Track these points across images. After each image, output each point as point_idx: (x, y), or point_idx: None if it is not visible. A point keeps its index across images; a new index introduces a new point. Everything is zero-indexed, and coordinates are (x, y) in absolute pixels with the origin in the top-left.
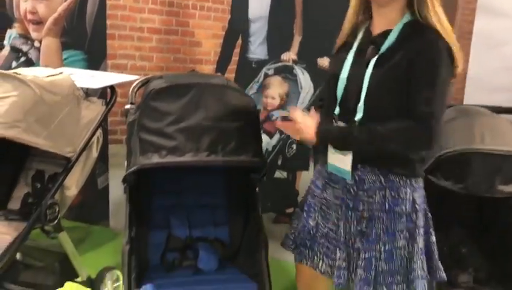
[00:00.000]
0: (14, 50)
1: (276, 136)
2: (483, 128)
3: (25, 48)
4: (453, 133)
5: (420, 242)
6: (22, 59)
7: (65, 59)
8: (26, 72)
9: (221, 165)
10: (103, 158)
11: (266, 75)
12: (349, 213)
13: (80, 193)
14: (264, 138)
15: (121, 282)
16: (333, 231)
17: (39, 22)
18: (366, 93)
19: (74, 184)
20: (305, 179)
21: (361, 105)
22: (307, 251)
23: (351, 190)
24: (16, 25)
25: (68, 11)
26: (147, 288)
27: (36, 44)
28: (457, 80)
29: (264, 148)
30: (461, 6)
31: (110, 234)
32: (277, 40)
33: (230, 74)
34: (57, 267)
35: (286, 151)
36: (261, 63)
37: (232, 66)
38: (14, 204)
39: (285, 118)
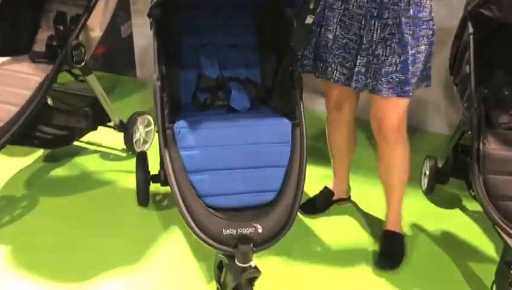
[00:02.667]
0: None
1: None
2: None
3: None
4: None
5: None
6: None
7: None
8: None
9: None
10: (124, 5)
11: None
12: (373, 22)
13: (103, 43)
14: None
15: (153, 126)
16: (353, 41)
17: None
18: None
19: (98, 25)
20: None
21: None
22: (321, 64)
23: None
24: None
25: None
26: (180, 124)
27: None
28: None
29: None
30: None
31: (137, 84)
32: None
33: None
34: (89, 112)
35: None
36: None
37: None
38: (39, 47)
39: None
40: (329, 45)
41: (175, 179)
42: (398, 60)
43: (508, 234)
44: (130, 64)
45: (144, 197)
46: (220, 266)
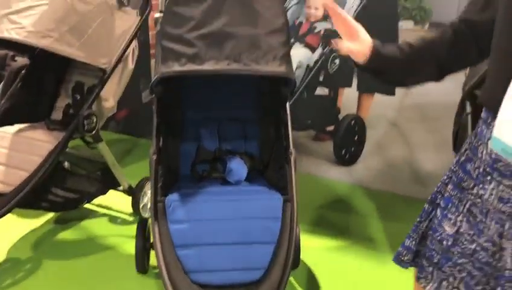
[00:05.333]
0: None
1: (319, 51)
2: None
3: None
4: None
5: None
6: None
7: None
8: None
9: (243, 74)
10: (146, 73)
11: None
12: None
13: (126, 107)
14: (306, 52)
15: None
16: (488, 252)
17: None
18: None
19: (111, 96)
20: (348, 96)
21: None
22: (432, 269)
23: None
24: None
25: None
26: (172, 197)
27: None
28: None
29: (305, 64)
30: None
31: None
32: None
33: None
34: (100, 176)
35: (329, 66)
36: None
37: None
38: (57, 114)
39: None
40: (446, 243)
41: (162, 253)
42: None
43: None
44: (148, 128)
45: (142, 264)
46: None
